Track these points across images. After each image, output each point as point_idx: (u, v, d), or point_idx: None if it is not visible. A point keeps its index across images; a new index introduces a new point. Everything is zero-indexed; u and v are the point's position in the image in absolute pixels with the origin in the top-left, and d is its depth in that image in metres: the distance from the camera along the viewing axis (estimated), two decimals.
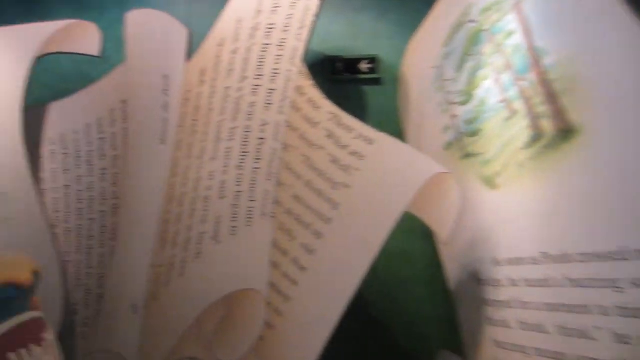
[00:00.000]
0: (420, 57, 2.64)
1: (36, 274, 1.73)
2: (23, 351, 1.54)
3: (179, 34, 2.45)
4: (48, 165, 2.81)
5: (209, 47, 2.44)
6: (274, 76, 2.27)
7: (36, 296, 1.81)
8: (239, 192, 2.28)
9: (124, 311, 2.47)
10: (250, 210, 2.24)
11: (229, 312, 2.31)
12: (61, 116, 2.79)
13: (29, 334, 1.63)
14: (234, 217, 2.27)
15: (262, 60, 2.28)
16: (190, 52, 2.47)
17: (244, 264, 2.22)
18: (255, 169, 2.25)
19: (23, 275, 1.62)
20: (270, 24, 2.29)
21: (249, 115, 2.28)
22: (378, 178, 2.10)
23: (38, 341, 1.65)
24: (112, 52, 2.82)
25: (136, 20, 2.54)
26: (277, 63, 2.27)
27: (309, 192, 2.25)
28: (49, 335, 1.77)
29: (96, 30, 2.66)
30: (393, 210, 1.97)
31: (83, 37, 2.68)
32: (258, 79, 2.27)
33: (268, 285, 2.14)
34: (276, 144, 2.24)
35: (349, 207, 2.12)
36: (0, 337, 1.46)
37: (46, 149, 2.82)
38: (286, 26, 2.27)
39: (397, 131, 2.46)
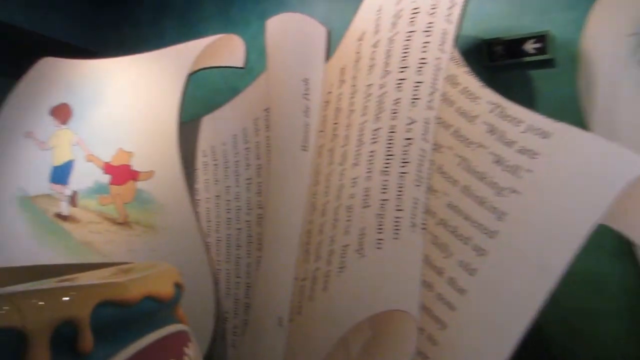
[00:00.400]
0: (609, 25, 2.09)
1: (178, 286, 1.61)
2: None
3: (318, 35, 2.31)
4: (201, 176, 2.91)
5: (348, 43, 2.25)
6: (420, 67, 1.98)
7: (180, 308, 1.79)
8: (384, 200, 2.04)
9: (270, 323, 2.40)
10: (397, 221, 1.97)
11: (377, 334, 2.08)
12: (211, 129, 2.87)
13: (170, 348, 1.52)
14: (379, 229, 2.04)
15: (406, 50, 2.01)
16: (330, 51, 2.31)
17: (391, 281, 1.97)
18: (402, 174, 1.98)
19: (163, 288, 1.49)
20: (415, 8, 2.01)
21: (394, 113, 2.02)
22: (558, 180, 1.66)
23: (179, 356, 1.53)
24: (256, 63, 2.82)
25: (276, 26, 2.47)
26: (423, 51, 1.97)
27: (468, 200, 1.90)
28: (192, 350, 1.64)
29: (240, 42, 2.67)
30: (581, 222, 1.53)
31: (229, 50, 2.72)
32: (402, 71, 2.01)
33: (420, 308, 1.85)
34: (425, 145, 1.94)
35: (520, 217, 1.72)
36: (141, 351, 1.33)
37: (200, 161, 2.92)
38: (433, 7, 1.97)
39: (577, 121, 1.95)
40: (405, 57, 2.01)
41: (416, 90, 1.97)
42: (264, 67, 2.57)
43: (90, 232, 3.03)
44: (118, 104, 3.01)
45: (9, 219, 3.21)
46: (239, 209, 2.69)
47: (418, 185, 1.94)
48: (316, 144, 2.30)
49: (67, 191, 3.11)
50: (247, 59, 2.64)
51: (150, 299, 1.39)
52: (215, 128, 2.84)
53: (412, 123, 1.97)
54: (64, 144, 3.16)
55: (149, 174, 2.88)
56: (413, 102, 1.98)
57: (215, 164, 2.82)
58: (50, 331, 1.11)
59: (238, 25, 3.24)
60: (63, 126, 3.16)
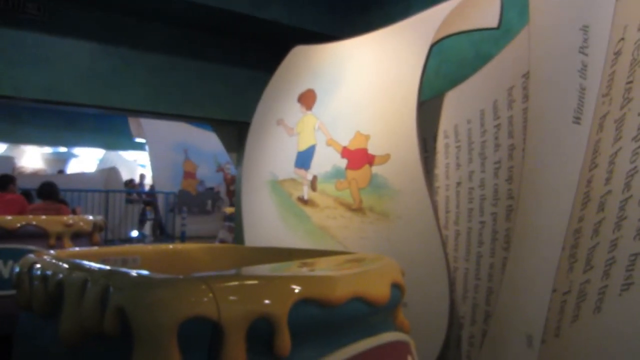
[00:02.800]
0: None
1: (397, 287, 1.35)
2: None
3: None
4: (442, 160, 2.58)
5: None
6: None
7: (401, 313, 1.43)
8: None
9: (516, 341, 1.94)
10: None
11: None
12: (455, 105, 2.50)
13: None
14: None
15: None
16: None
17: None
18: None
19: (378, 289, 1.25)
20: None
21: None
22: None
23: None
24: (516, 23, 2.34)
25: None
26: None
27: None
28: None
29: None
30: None
31: (481, 9, 2.31)
32: None
33: None
34: None
35: None
36: None
37: (441, 143, 2.59)
38: None
39: None
40: None
41: None
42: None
43: (327, 217, 3.02)
44: (357, 85, 2.92)
45: (262, 201, 3.47)
46: (483, 199, 2.26)
47: None
48: (596, 113, 1.72)
49: (309, 176, 3.18)
50: (504, 18, 2.18)
51: (359, 300, 1.18)
52: (460, 104, 2.47)
53: None
54: (308, 129, 3.24)
55: (385, 158, 2.69)
56: None
57: (458, 146, 2.45)
58: (245, 326, 1.00)
59: None
60: (308, 112, 3.25)
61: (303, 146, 3.26)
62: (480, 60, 2.53)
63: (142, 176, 11.32)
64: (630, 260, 1.60)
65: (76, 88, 3.72)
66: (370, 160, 2.78)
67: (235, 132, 4.89)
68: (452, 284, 2.34)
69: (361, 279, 1.24)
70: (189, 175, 9.89)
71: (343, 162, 2.92)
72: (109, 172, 9.70)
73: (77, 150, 13.88)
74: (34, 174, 11.25)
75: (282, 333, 1.02)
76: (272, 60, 3.51)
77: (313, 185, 3.15)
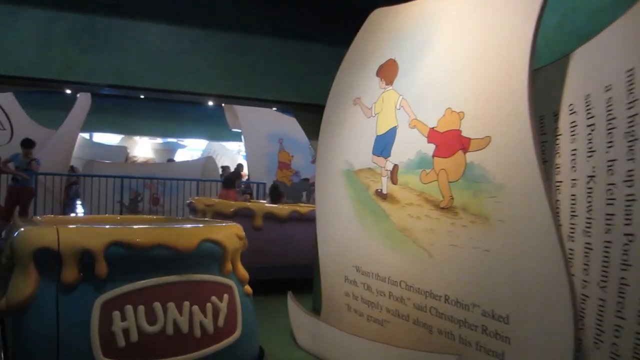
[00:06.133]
0: None
1: (213, 243, 2.05)
2: (170, 304, 1.89)
3: None
4: (566, 145, 1.87)
5: None
6: None
7: (229, 265, 2.13)
8: None
9: None
10: None
11: None
12: (587, 69, 1.78)
13: (195, 292, 1.96)
14: None
15: None
16: None
17: None
18: None
19: (182, 242, 1.96)
20: None
21: None
22: None
23: (202, 301, 1.96)
24: None
25: None
26: None
27: None
28: (225, 303, 2.02)
29: None
30: None
31: None
32: None
33: None
34: None
35: None
36: (153, 287, 1.86)
37: (565, 122, 1.88)
38: None
39: None
40: None
41: None
42: None
43: (409, 217, 2.44)
44: (448, 51, 2.30)
45: (336, 195, 2.98)
46: (631, 200, 1.53)
47: None
48: None
49: (389, 165, 2.62)
50: None
51: (164, 247, 1.94)
52: (593, 66, 1.75)
53: None
54: (388, 108, 2.67)
55: (484, 142, 2.06)
56: None
57: (591, 124, 1.73)
58: (77, 256, 1.84)
59: None
60: (389, 87, 2.67)
61: (382, 129, 2.69)
62: (620, 4, 1.77)
63: (239, 166, 11.54)
64: None
65: (145, 72, 3.57)
66: (464, 145, 2.15)
67: (317, 117, 4.46)
68: (577, 320, 1.65)
69: (167, 233, 1.99)
70: (283, 165, 9.88)
71: (430, 148, 2.32)
72: (205, 161, 10.02)
73: (185, 141, 14.68)
74: (145, 163, 12.09)
75: (100, 263, 1.85)
76: (355, 34, 3.00)
77: (393, 176, 2.58)
